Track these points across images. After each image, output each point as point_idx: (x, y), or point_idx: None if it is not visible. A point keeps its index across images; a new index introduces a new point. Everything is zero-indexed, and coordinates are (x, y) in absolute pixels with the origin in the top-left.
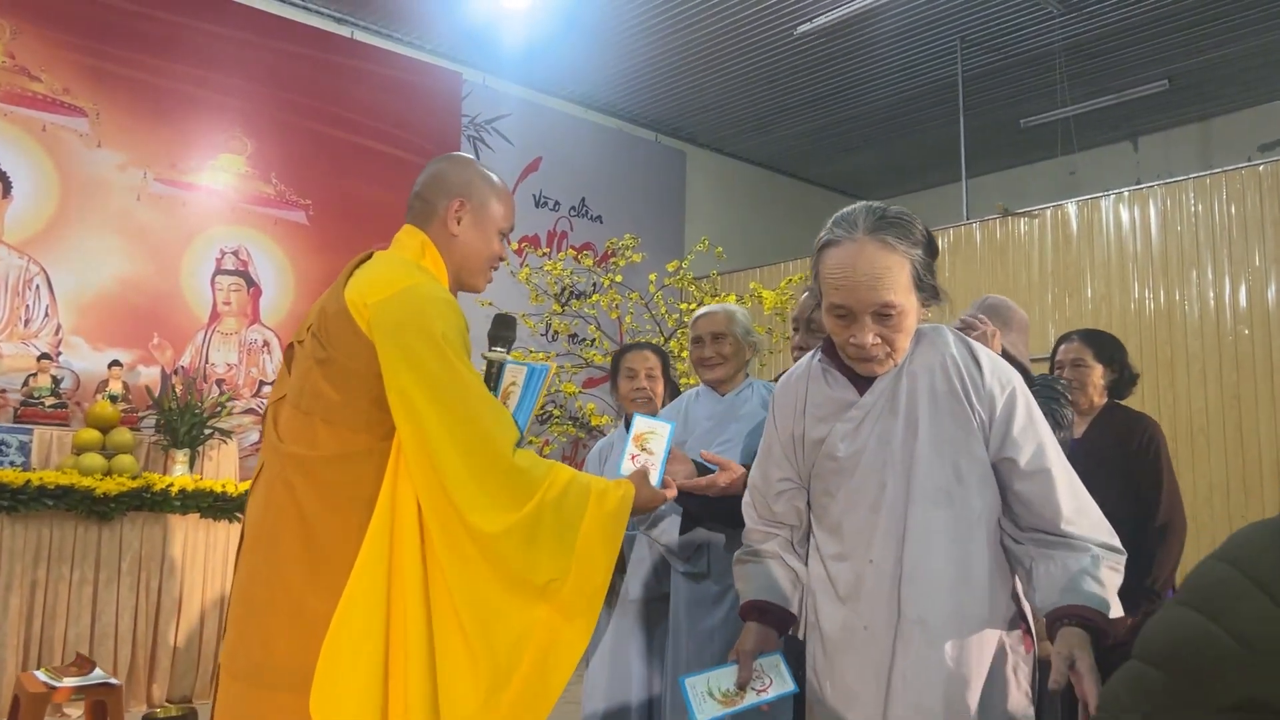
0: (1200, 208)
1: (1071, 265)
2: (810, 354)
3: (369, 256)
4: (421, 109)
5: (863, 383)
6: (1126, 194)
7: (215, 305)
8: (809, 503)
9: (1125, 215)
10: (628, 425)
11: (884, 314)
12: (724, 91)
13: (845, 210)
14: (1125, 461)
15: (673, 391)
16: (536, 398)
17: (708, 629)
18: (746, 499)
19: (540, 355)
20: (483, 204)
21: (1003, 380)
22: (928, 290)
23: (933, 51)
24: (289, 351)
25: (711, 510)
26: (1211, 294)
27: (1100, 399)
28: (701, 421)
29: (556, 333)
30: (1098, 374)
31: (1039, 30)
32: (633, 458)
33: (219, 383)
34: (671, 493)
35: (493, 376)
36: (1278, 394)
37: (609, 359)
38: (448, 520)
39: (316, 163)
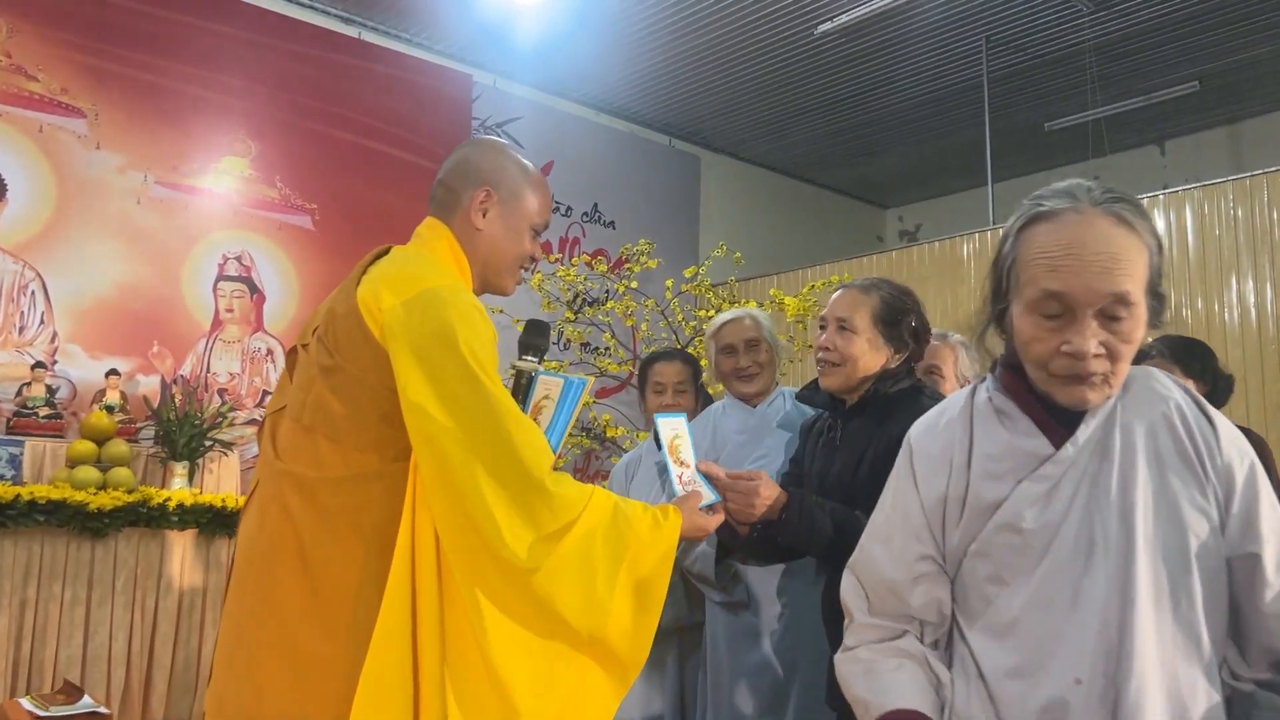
0: (1240, 211)
1: None
2: (970, 386)
3: (386, 252)
4: (431, 111)
5: (1058, 431)
6: (1162, 197)
7: (217, 312)
8: (953, 594)
9: (1160, 220)
10: (657, 441)
11: (1114, 314)
12: (740, 94)
13: (1054, 185)
14: None
15: (704, 402)
16: (571, 415)
17: (754, 665)
18: (852, 585)
19: (554, 365)
20: (513, 195)
21: (1241, 449)
22: (1159, 302)
23: (957, 52)
24: (291, 357)
25: (747, 540)
26: (1253, 301)
27: None
28: (733, 436)
29: (569, 341)
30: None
31: (1068, 29)
32: (679, 478)
33: (220, 392)
34: (718, 519)
35: (522, 389)
36: None
37: (624, 368)
38: (474, 556)
39: (322, 166)
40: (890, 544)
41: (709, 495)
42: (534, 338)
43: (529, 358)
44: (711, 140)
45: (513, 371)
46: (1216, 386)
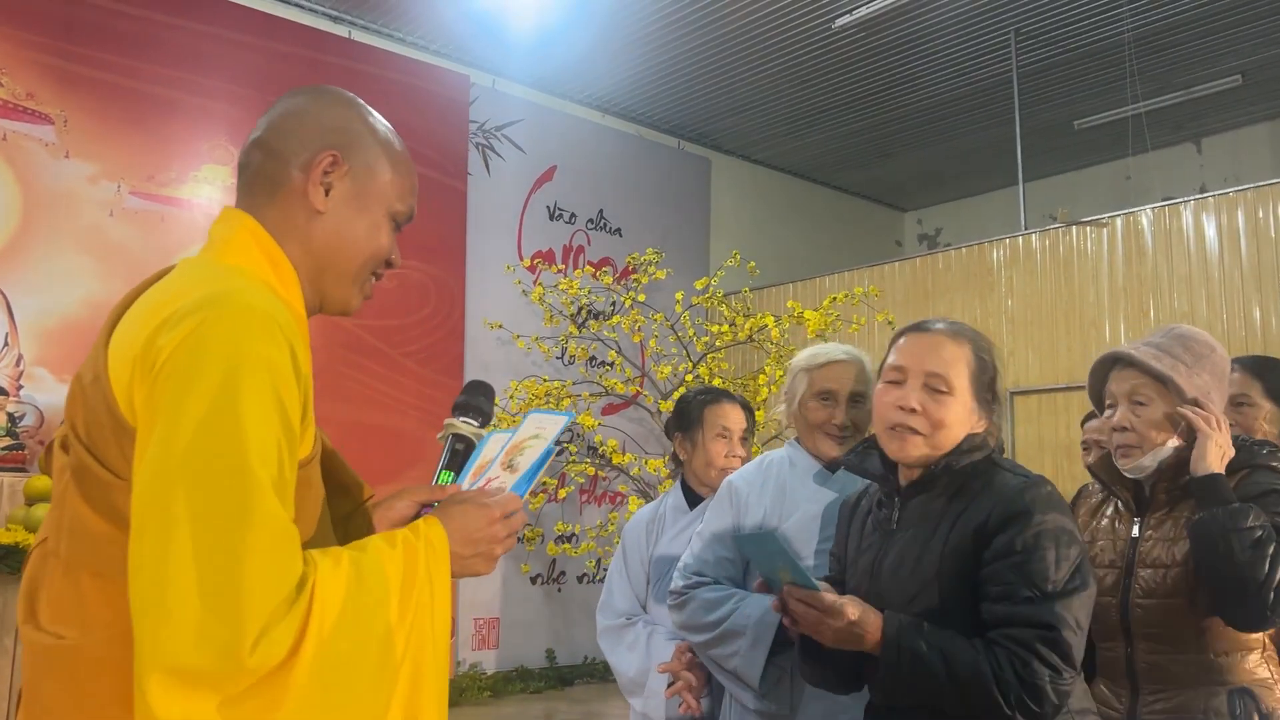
0: None
1: (1147, 279)
2: None
3: (165, 274)
4: (425, 115)
5: None
6: (1211, 199)
7: None
8: None
9: (1209, 222)
10: (688, 496)
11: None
12: (752, 93)
13: None
14: None
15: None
16: (549, 457)
17: None
18: None
19: (555, 384)
20: (369, 166)
21: None
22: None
23: (984, 46)
24: (48, 459)
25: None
26: None
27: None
28: (804, 506)
29: (574, 357)
30: (1266, 414)
31: (1105, 20)
32: (487, 481)
33: None
34: (517, 522)
35: (459, 458)
36: None
37: (631, 386)
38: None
39: None
40: None
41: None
42: (474, 397)
43: (467, 419)
44: (722, 142)
45: (446, 436)
46: None
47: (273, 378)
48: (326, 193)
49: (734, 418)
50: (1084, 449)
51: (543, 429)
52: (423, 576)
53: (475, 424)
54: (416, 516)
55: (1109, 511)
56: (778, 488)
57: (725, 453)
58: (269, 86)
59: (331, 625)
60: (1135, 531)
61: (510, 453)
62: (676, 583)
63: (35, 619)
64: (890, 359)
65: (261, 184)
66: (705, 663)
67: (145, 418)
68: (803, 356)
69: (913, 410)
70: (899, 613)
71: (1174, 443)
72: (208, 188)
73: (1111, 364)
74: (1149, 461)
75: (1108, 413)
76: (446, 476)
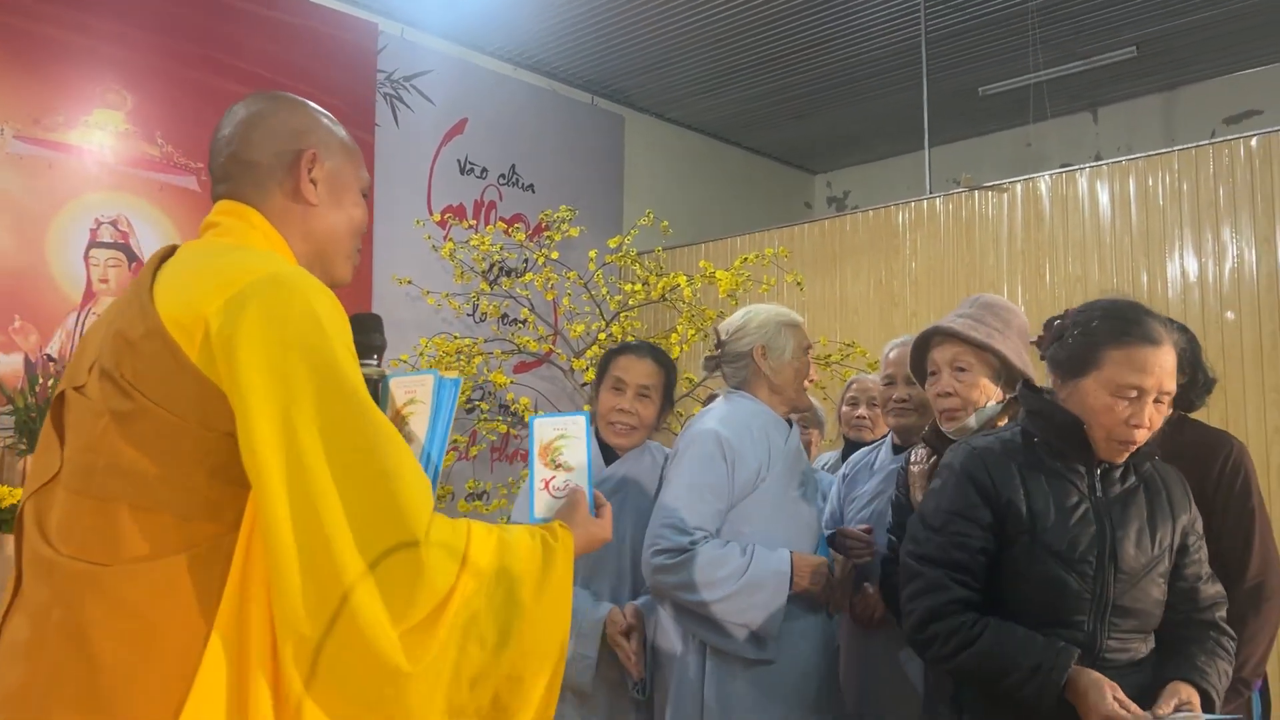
0: (1185, 185)
1: (1044, 244)
2: None
3: (172, 252)
4: (331, 63)
5: None
6: (1105, 167)
7: (90, 283)
8: None
9: (1103, 190)
10: (602, 449)
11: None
12: (667, 51)
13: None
14: (1202, 498)
15: (666, 412)
16: (450, 419)
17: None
18: None
19: (466, 341)
20: (335, 156)
21: None
22: None
23: (894, 10)
24: (58, 407)
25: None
26: (1195, 274)
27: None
28: (787, 461)
29: (485, 314)
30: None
31: None
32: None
33: None
34: (607, 521)
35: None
36: (1267, 384)
37: (544, 344)
38: (349, 655)
39: (209, 121)
40: None
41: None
42: (367, 335)
43: (369, 361)
44: (636, 99)
45: None
46: (1195, 380)
47: (347, 336)
48: (315, 186)
49: (633, 370)
50: (851, 404)
51: (415, 392)
52: (559, 572)
53: (373, 363)
54: None
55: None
56: (764, 436)
57: (614, 405)
58: (166, 30)
59: (485, 584)
60: None
61: (397, 422)
62: (672, 539)
63: (47, 541)
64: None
65: (249, 189)
66: (692, 618)
67: (252, 382)
68: (785, 313)
69: None
70: None
71: (994, 401)
72: (99, 133)
73: (931, 337)
74: (973, 423)
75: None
76: None
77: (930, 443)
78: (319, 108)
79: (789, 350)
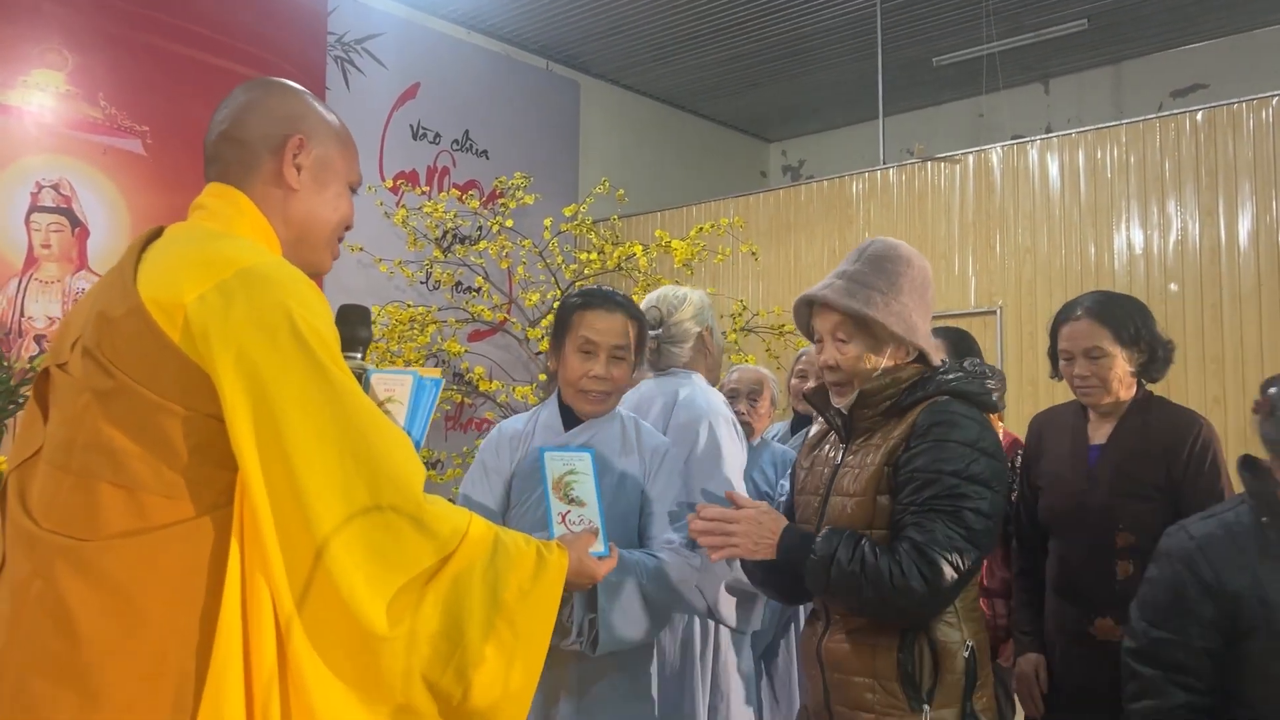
0: (1133, 157)
1: (995, 214)
2: None
3: (158, 234)
4: (280, 23)
5: None
6: (1056, 139)
7: (31, 248)
8: None
9: (1053, 161)
10: (564, 413)
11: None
12: (622, 16)
13: None
14: (1170, 478)
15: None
16: (428, 420)
17: None
18: None
19: (420, 309)
20: (326, 145)
21: None
22: None
23: None
24: (42, 383)
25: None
26: (1140, 246)
27: (1128, 393)
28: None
29: (439, 282)
30: (1122, 362)
31: None
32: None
33: (39, 339)
34: (611, 563)
35: None
36: (1208, 354)
37: (498, 312)
38: (326, 615)
39: (155, 83)
40: None
41: (600, 544)
42: (353, 329)
43: (352, 355)
44: (591, 65)
45: None
46: (1154, 355)
47: (330, 321)
48: (299, 172)
49: (605, 329)
50: (800, 377)
51: (394, 391)
52: (544, 585)
53: (357, 356)
54: None
55: (831, 439)
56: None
57: (586, 371)
58: None
59: (478, 565)
60: (839, 459)
61: (559, 488)
62: None
63: (28, 514)
64: None
65: (236, 170)
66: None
67: (228, 371)
68: (705, 295)
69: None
70: None
71: (885, 364)
72: (39, 94)
73: (809, 305)
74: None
75: (816, 346)
76: None
77: (815, 404)
78: (318, 100)
79: (717, 332)
